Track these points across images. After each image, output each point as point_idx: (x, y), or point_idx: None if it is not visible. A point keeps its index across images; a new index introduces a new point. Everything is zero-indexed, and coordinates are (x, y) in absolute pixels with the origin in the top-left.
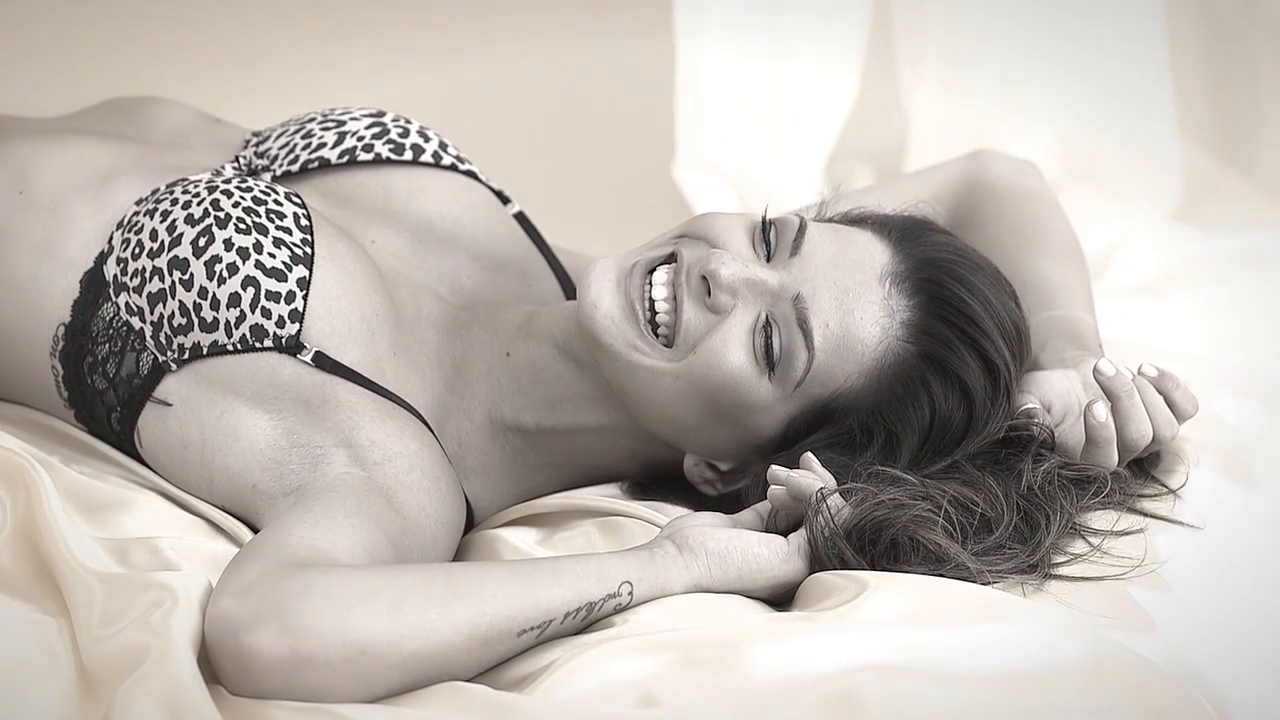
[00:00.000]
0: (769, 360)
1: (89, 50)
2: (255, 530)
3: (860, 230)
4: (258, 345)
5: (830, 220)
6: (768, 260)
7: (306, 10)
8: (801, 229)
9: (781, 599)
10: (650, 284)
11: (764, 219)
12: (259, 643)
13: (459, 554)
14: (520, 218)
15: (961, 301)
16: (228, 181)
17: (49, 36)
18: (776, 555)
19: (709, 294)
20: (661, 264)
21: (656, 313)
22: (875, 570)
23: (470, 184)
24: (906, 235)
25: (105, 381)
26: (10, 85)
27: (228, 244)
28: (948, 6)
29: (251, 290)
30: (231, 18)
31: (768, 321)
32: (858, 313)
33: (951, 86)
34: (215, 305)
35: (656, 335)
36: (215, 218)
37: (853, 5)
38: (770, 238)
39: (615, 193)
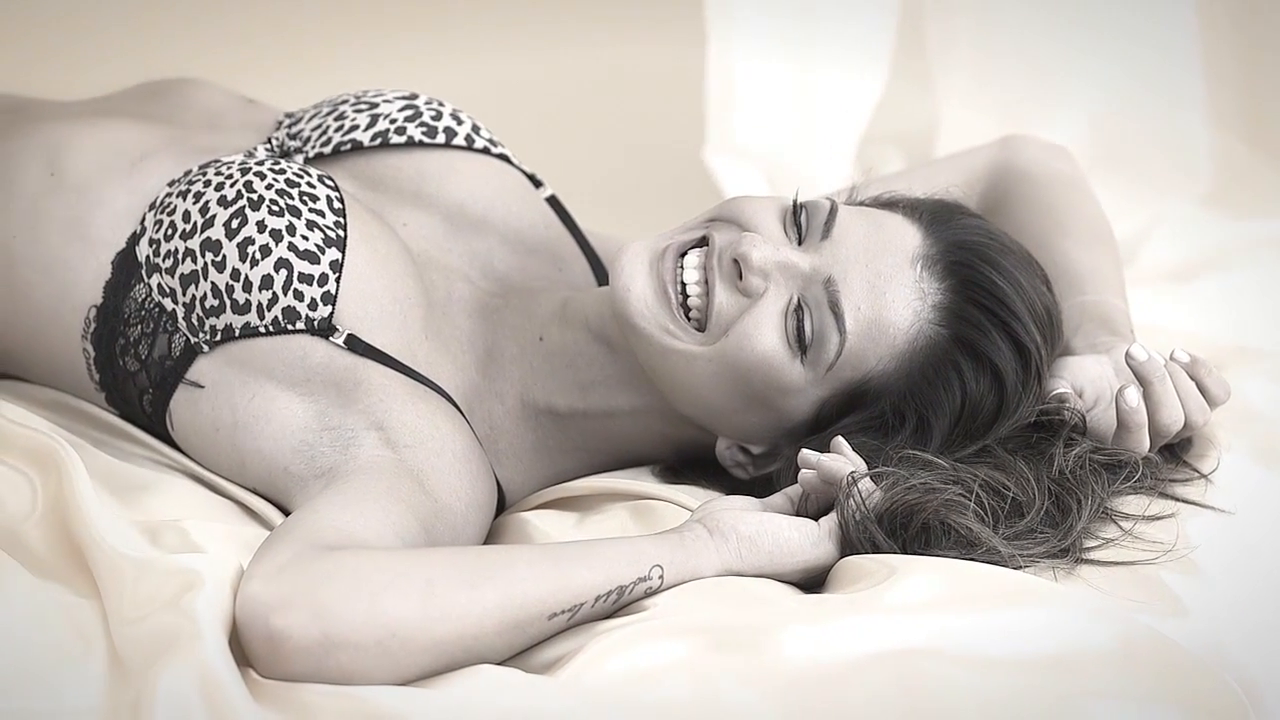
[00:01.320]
0: (801, 343)
1: (122, 33)
2: (286, 513)
3: (891, 213)
4: (290, 328)
5: (861, 204)
6: (799, 243)
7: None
8: (833, 212)
9: (812, 583)
10: (682, 267)
11: (795, 202)
12: (289, 626)
13: (490, 537)
14: (552, 201)
15: (993, 284)
16: (260, 163)
17: (82, 19)
18: (807, 539)
19: (740, 277)
20: (693, 248)
21: (688, 296)
22: (906, 554)
23: (502, 167)
24: (938, 218)
25: (137, 363)
26: (44, 68)
27: (261, 226)
28: None
29: (284, 273)
30: (281, 9)
31: (799, 304)
32: (889, 296)
33: (982, 72)
34: (248, 287)
35: (688, 319)
36: (248, 199)
37: None
38: (801, 221)
39: (646, 177)
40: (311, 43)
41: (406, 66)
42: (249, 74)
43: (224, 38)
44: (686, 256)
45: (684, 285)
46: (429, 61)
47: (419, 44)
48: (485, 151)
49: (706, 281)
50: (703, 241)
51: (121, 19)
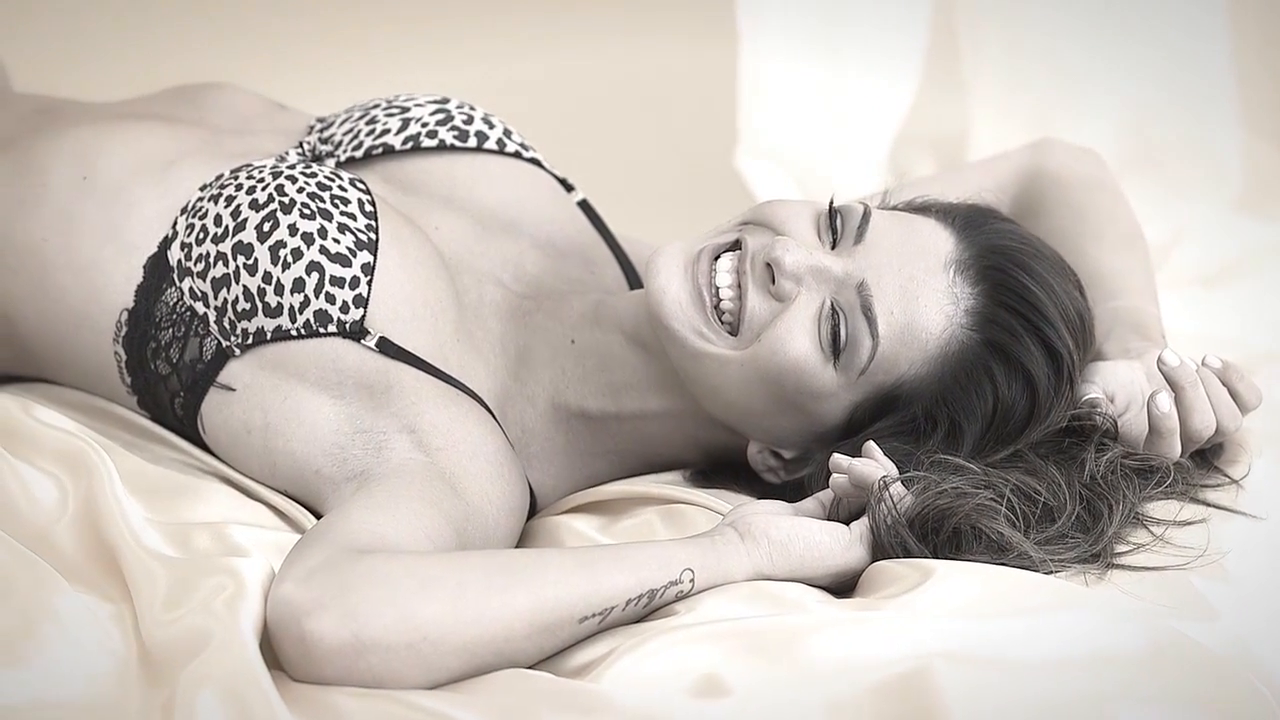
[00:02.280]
0: (834, 348)
1: (154, 36)
2: (318, 516)
3: (924, 218)
4: (322, 330)
5: (894, 208)
6: (832, 247)
7: (383, 6)
8: (866, 216)
9: (843, 587)
10: (715, 271)
11: (830, 206)
12: (321, 628)
13: (521, 541)
14: (584, 205)
15: (1025, 289)
16: (292, 167)
17: (114, 22)
18: (838, 543)
19: (773, 281)
20: (726, 251)
21: (721, 299)
22: (937, 559)
23: (533, 171)
24: (970, 223)
25: (169, 367)
26: (77, 71)
27: (292, 229)
28: None
29: (316, 275)
30: (299, 3)
31: (833, 309)
32: (922, 300)
33: (1013, 76)
34: (279, 290)
35: (722, 322)
36: (280, 203)
37: None
38: (835, 225)
39: (677, 181)
40: (343, 47)
41: (435, 71)
42: (281, 78)
43: (254, 42)
44: (719, 260)
45: (717, 289)
46: (457, 65)
47: (448, 48)
48: (517, 156)
49: (739, 285)
50: (736, 245)
51: (153, 22)
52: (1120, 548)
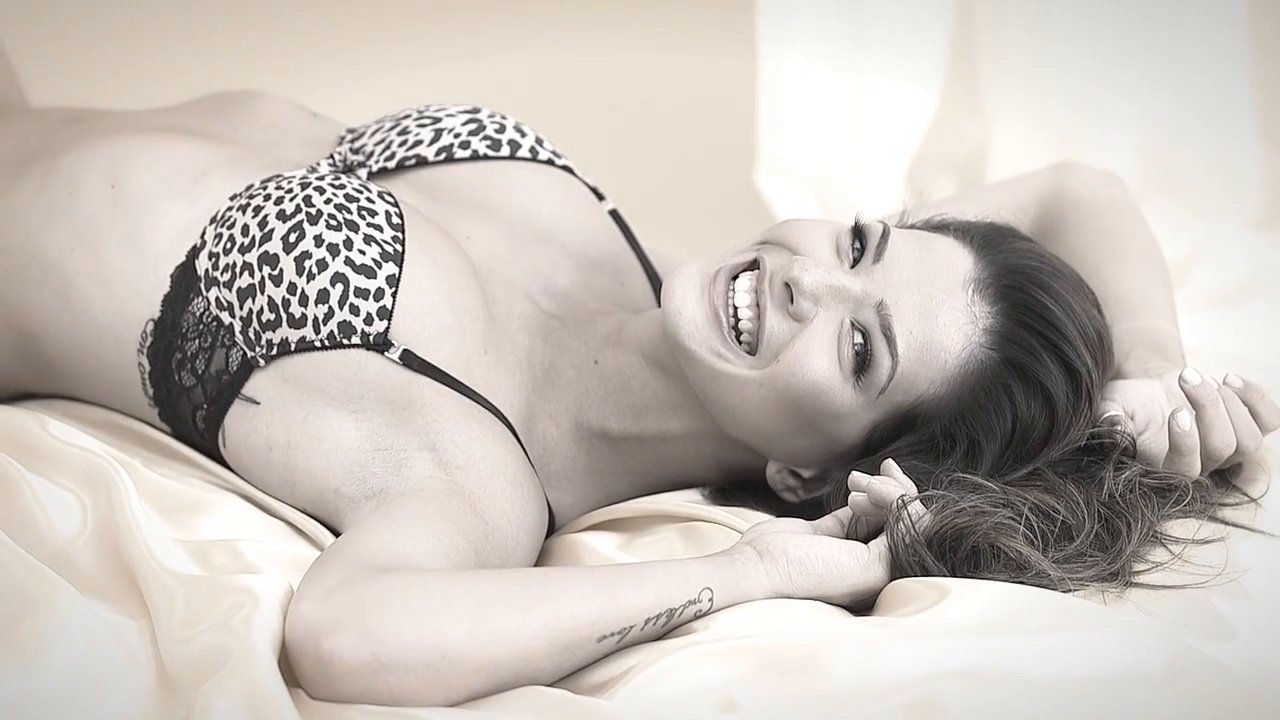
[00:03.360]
0: (855, 367)
1: (188, 45)
2: (336, 534)
3: (943, 237)
4: (345, 342)
5: (913, 227)
6: (852, 266)
7: (405, 6)
8: (885, 235)
9: (861, 606)
10: (733, 291)
11: (857, 223)
12: (339, 647)
13: (540, 559)
14: (614, 215)
15: (1044, 308)
16: (321, 178)
17: (147, 30)
18: (857, 562)
19: (791, 301)
20: (744, 271)
21: (739, 320)
22: (956, 577)
23: (566, 179)
24: (989, 242)
25: (193, 378)
26: (111, 80)
27: (318, 240)
28: (1029, 16)
29: (340, 287)
30: (333, 11)
31: (852, 328)
32: (941, 319)
33: (1033, 95)
34: (304, 301)
35: (740, 342)
36: (307, 214)
37: (935, 14)
38: (854, 244)
39: (697, 198)
40: (375, 54)
41: (463, 82)
42: (313, 85)
43: (290, 49)
44: (738, 280)
45: (735, 309)
46: (473, 76)
47: (461, 57)
48: (549, 164)
49: (758, 305)
50: (754, 265)
51: (188, 30)
52: (1139, 566)
